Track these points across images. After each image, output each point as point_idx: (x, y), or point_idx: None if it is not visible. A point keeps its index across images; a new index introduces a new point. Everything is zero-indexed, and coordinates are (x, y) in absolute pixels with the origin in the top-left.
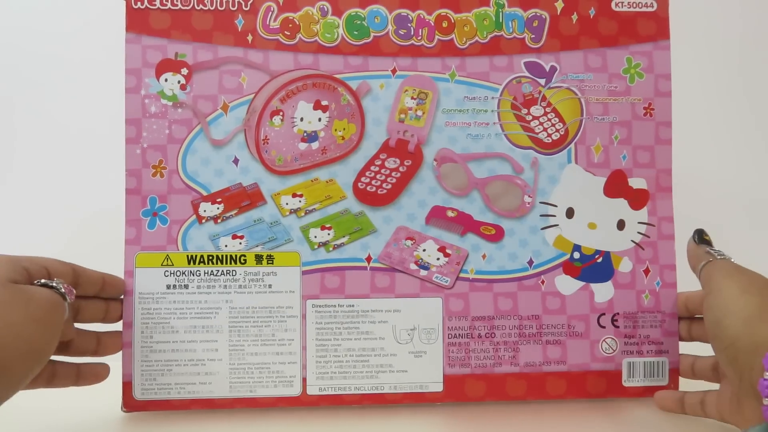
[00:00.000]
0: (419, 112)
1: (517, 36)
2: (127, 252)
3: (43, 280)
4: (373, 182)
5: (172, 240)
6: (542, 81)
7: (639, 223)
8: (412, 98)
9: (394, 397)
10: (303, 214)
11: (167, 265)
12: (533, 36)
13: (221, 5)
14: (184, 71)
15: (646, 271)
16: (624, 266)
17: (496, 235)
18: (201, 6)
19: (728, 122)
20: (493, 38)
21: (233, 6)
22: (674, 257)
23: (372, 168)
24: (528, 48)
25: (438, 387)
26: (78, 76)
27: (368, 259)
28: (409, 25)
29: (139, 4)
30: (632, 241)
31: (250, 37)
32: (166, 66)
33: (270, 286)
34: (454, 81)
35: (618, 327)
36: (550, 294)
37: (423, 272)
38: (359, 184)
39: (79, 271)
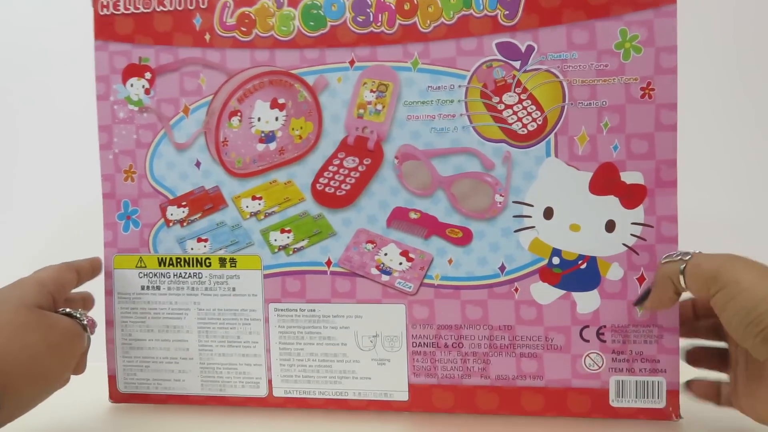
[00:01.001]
0: (379, 106)
1: (488, 13)
2: (106, 254)
3: (67, 310)
4: (332, 183)
5: (144, 243)
6: (517, 64)
7: (632, 224)
8: (372, 91)
9: (359, 404)
10: (263, 216)
11: (141, 266)
12: (507, 12)
13: (180, 5)
14: (148, 75)
15: (641, 279)
16: (613, 273)
17: (464, 238)
18: (161, 7)
19: (740, 105)
20: (460, 18)
21: (191, 5)
22: None
23: (330, 168)
24: (501, 27)
25: (403, 396)
26: (63, 74)
27: (328, 263)
28: (368, 10)
29: (105, 10)
30: (624, 244)
31: (207, 36)
32: (131, 71)
33: (234, 288)
34: (416, 69)
35: (604, 341)
36: (525, 303)
37: (385, 277)
38: (317, 185)
39: (78, 267)
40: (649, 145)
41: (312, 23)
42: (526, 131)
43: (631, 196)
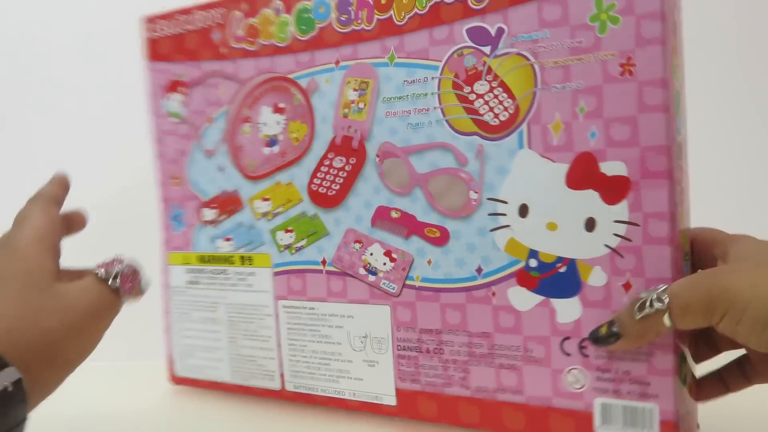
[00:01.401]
0: (361, 105)
1: None
2: (163, 251)
3: (100, 273)
4: (324, 183)
5: (188, 242)
6: (487, 49)
7: (615, 222)
8: (354, 90)
9: (354, 404)
10: (271, 217)
11: (186, 263)
12: None
13: (203, 23)
14: (183, 90)
15: (627, 286)
16: (595, 278)
17: (441, 237)
18: (190, 26)
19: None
20: (432, 6)
21: (211, 22)
22: (669, 267)
23: (322, 169)
24: (471, 11)
25: (391, 400)
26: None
27: (323, 262)
28: (349, 8)
29: (151, 33)
30: (606, 245)
31: (223, 50)
32: (171, 87)
33: (251, 285)
34: (393, 64)
35: (587, 356)
36: (503, 309)
37: (371, 277)
38: (312, 185)
39: (55, 197)
40: (631, 129)
41: (304, 27)
42: (498, 121)
43: (613, 190)
